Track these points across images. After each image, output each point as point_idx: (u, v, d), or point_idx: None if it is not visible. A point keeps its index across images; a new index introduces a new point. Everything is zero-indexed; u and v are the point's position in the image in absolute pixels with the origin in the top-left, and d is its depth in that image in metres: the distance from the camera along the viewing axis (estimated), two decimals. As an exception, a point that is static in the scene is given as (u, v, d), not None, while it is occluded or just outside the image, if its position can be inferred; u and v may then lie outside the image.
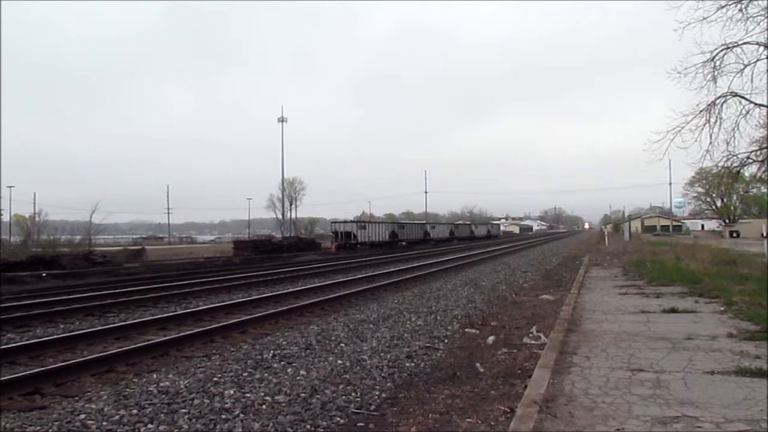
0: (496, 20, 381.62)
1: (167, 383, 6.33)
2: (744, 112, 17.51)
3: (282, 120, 72.27)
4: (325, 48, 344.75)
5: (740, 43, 16.59)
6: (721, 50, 16.79)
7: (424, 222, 76.38)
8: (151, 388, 6.13)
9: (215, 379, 6.48)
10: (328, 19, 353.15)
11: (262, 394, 5.87)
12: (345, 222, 52.66)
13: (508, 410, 5.06)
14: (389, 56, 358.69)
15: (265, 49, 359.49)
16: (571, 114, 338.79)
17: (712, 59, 16.88)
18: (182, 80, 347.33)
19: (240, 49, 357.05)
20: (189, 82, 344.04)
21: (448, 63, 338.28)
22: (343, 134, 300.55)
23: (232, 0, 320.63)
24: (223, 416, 5.20)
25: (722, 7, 16.12)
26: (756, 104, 17.42)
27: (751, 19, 16.08)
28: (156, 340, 8.52)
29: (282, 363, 7.27)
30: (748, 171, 21.60)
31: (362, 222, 55.82)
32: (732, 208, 75.51)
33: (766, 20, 15.97)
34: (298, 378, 6.51)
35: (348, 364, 7.20)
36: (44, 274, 22.11)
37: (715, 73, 17.03)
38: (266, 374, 6.69)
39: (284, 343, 8.60)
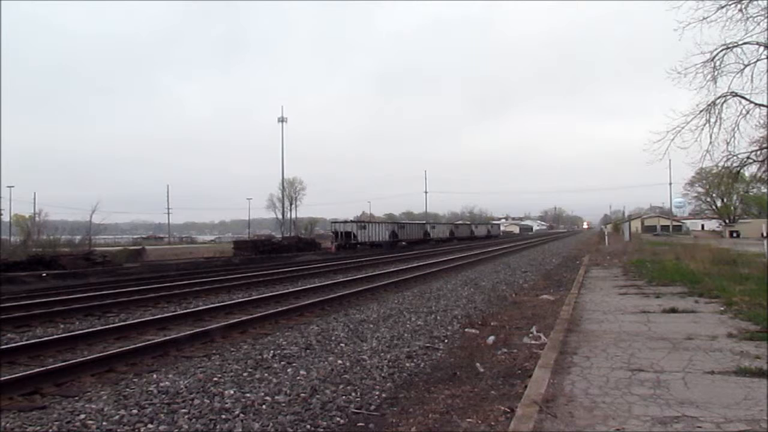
0: (497, 21, 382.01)
1: (167, 383, 6.33)
2: (744, 112, 17.52)
3: (282, 120, 72.34)
4: (326, 49, 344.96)
5: (740, 43, 16.60)
6: (721, 50, 16.80)
7: (424, 222, 76.37)
8: (151, 388, 6.13)
9: (215, 379, 6.48)
10: (334, 18, 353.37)
11: (262, 394, 5.87)
12: (345, 222, 52.68)
13: (508, 410, 5.06)
14: (391, 57, 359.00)
15: (267, 48, 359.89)
16: (572, 114, 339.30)
17: (712, 59, 16.89)
18: (183, 80, 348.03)
19: (241, 49, 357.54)
20: (189, 82, 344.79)
21: (449, 64, 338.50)
22: (343, 134, 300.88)
23: (238, 0, 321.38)
24: (223, 416, 5.20)
25: (722, 7, 16.13)
26: (756, 104, 17.42)
27: (751, 19, 16.08)
28: (156, 340, 8.52)
29: (282, 363, 7.27)
30: (748, 171, 21.64)
31: (362, 222, 55.83)
32: (732, 208, 75.50)
33: (766, 20, 15.97)
34: (298, 378, 6.51)
35: (348, 364, 7.20)
36: (44, 274, 22.10)
37: (715, 73, 17.04)
38: (266, 374, 6.69)
39: (284, 343, 8.60)
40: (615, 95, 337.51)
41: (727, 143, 17.86)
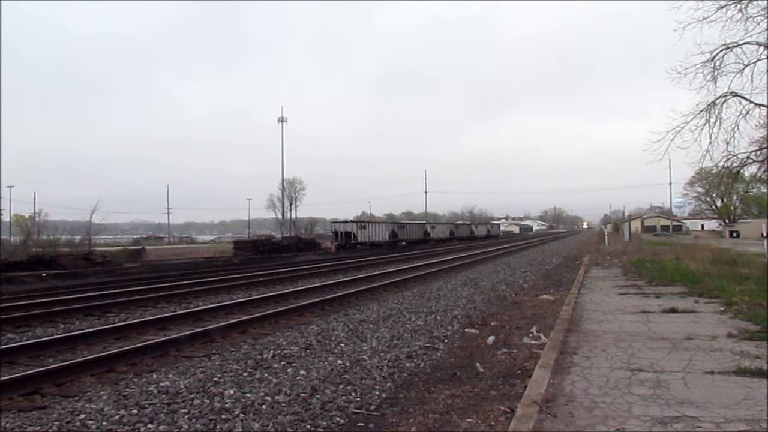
0: (497, 21, 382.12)
1: (167, 383, 6.33)
2: (744, 112, 17.53)
3: (282, 120, 72.35)
4: (326, 49, 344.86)
5: (740, 43, 16.60)
6: (721, 50, 16.80)
7: (424, 222, 76.36)
8: (151, 388, 6.13)
9: (215, 379, 6.48)
10: (334, 18, 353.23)
11: (262, 394, 5.87)
12: (345, 222, 52.69)
13: (508, 410, 5.06)
14: (391, 57, 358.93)
15: (267, 48, 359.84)
16: (572, 114, 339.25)
17: (712, 59, 16.89)
18: (183, 80, 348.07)
19: (241, 49, 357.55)
20: (189, 82, 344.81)
21: (449, 64, 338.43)
22: (343, 134, 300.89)
23: (238, 0, 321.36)
24: (223, 416, 5.20)
25: (722, 7, 16.13)
26: (756, 104, 17.42)
27: (751, 19, 16.09)
28: (156, 340, 8.52)
29: (282, 363, 7.27)
30: (748, 171, 21.63)
31: (362, 222, 55.83)
32: (732, 208, 75.50)
33: (766, 20, 15.97)
34: (298, 378, 6.51)
35: (348, 364, 7.20)
36: (44, 274, 22.10)
37: (715, 73, 17.05)
38: (266, 374, 6.69)
39: (284, 343, 8.60)
40: (615, 95, 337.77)
41: (727, 143, 17.89)
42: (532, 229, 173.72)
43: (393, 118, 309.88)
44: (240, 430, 4.89)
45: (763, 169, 19.90)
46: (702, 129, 17.64)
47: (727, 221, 75.56)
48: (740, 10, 16.04)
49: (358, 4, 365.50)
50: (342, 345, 8.42)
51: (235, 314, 11.56)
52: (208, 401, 5.63)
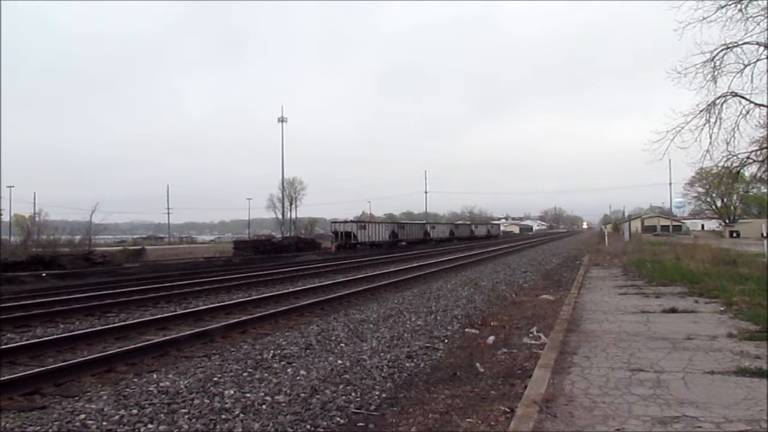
0: (498, 20, 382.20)
1: (167, 383, 6.33)
2: (744, 112, 17.50)
3: (282, 120, 72.24)
4: (327, 49, 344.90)
5: (740, 43, 16.58)
6: (721, 50, 16.78)
7: (424, 222, 76.37)
8: (151, 388, 6.13)
9: (215, 379, 6.48)
10: (335, 18, 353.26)
11: (262, 394, 5.87)
12: (345, 222, 52.69)
13: (508, 410, 5.06)
14: (392, 57, 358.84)
15: (267, 48, 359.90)
16: (573, 114, 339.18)
17: (712, 59, 16.87)
18: (183, 80, 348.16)
19: (242, 49, 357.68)
20: (190, 82, 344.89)
21: (450, 64, 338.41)
22: (343, 134, 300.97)
23: (236, 0, 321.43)
24: (223, 416, 5.20)
25: (722, 7, 16.10)
26: (756, 104, 17.40)
27: (751, 19, 16.06)
28: (156, 340, 8.52)
29: (282, 363, 7.27)
30: (748, 171, 21.60)
31: (362, 222, 55.85)
32: (732, 208, 75.49)
33: (766, 20, 15.95)
34: (298, 378, 6.51)
35: (348, 364, 7.20)
36: (44, 274, 22.10)
37: (715, 73, 17.01)
38: (266, 374, 6.69)
39: (284, 343, 8.60)
40: (615, 95, 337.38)
41: (727, 143, 17.84)
42: (532, 229, 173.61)
43: (394, 117, 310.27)
44: (240, 430, 4.89)
45: (763, 169, 19.90)
46: (702, 129, 17.63)
47: (727, 221, 75.55)
48: (740, 10, 16.04)
49: (359, 4, 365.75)
50: (342, 345, 8.42)
51: (235, 314, 11.56)
52: (208, 401, 5.63)
